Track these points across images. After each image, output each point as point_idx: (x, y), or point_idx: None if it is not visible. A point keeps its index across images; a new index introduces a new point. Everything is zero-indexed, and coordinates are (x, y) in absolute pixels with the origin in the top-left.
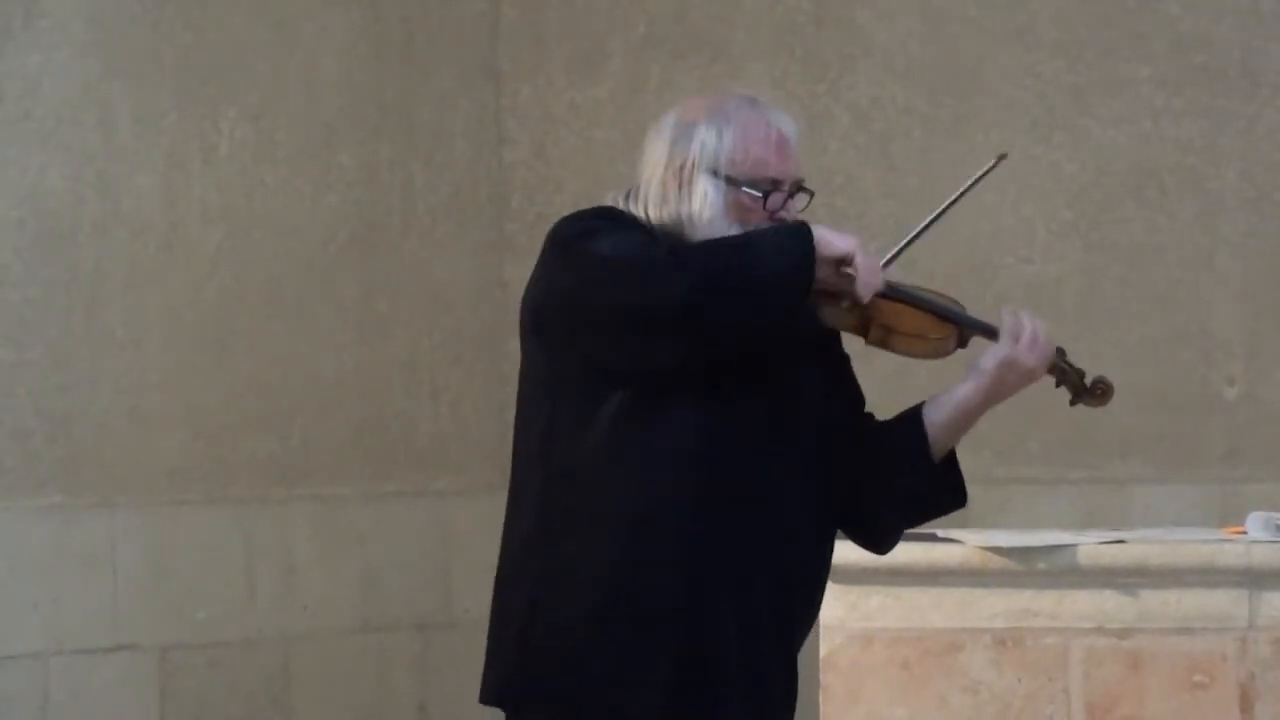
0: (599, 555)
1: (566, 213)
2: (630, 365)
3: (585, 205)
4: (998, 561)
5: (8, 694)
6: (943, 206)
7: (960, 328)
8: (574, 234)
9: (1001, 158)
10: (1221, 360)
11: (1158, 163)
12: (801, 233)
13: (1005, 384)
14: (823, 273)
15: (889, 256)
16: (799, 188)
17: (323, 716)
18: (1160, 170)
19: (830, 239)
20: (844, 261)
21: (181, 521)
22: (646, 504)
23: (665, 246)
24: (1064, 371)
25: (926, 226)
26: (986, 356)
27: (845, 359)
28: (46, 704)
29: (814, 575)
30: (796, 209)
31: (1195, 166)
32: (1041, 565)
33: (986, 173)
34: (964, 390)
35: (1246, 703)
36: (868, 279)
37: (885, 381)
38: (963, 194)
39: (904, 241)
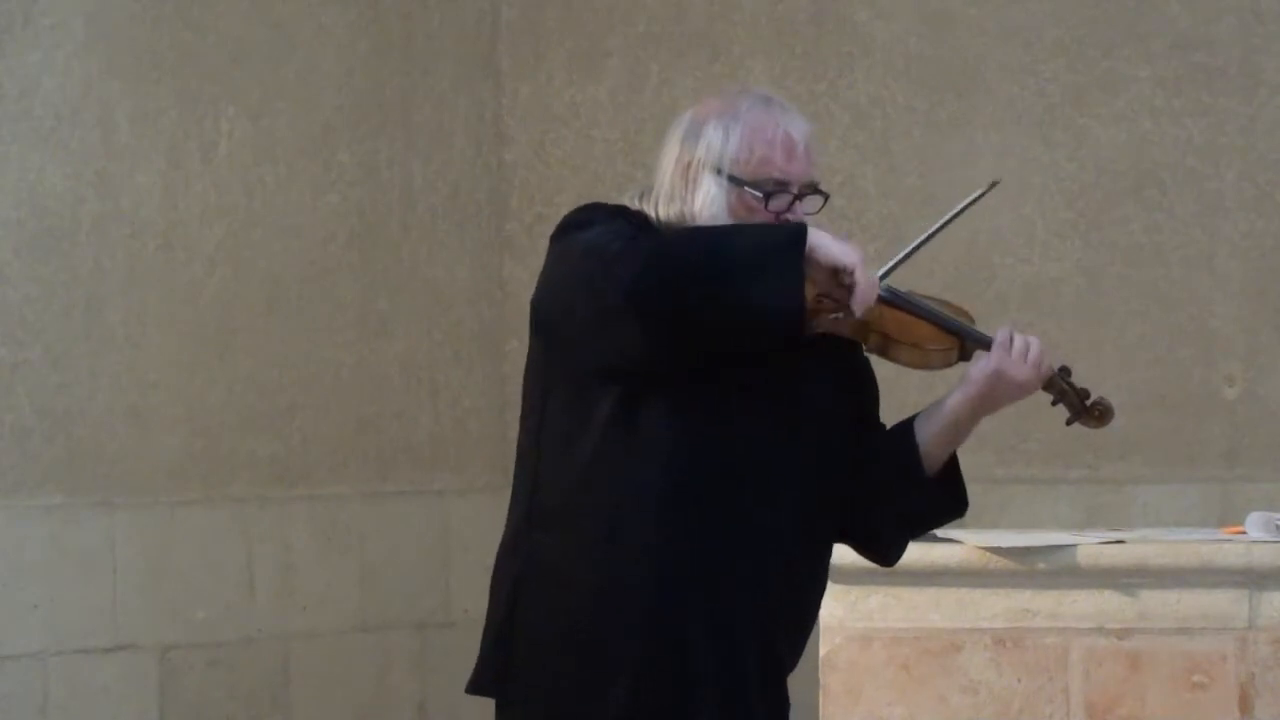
0: (574, 558)
1: (566, 212)
2: (607, 359)
3: (585, 204)
4: (997, 561)
5: (8, 694)
6: (934, 228)
7: (962, 340)
8: (566, 226)
9: (994, 184)
10: (1221, 360)
11: (1157, 162)
12: (794, 231)
13: (995, 395)
14: (819, 276)
15: (883, 270)
16: (811, 190)
17: (322, 716)
18: (1160, 170)
19: (831, 245)
20: (844, 271)
21: (181, 521)
22: (623, 509)
23: (653, 237)
24: (1063, 391)
25: (918, 247)
26: (977, 366)
27: (862, 372)
28: (46, 704)
29: (804, 585)
30: (805, 212)
31: (1195, 166)
32: (1041, 565)
33: (980, 196)
34: (953, 400)
35: (1246, 703)
36: (865, 295)
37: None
38: (954, 217)
39: (896, 259)
